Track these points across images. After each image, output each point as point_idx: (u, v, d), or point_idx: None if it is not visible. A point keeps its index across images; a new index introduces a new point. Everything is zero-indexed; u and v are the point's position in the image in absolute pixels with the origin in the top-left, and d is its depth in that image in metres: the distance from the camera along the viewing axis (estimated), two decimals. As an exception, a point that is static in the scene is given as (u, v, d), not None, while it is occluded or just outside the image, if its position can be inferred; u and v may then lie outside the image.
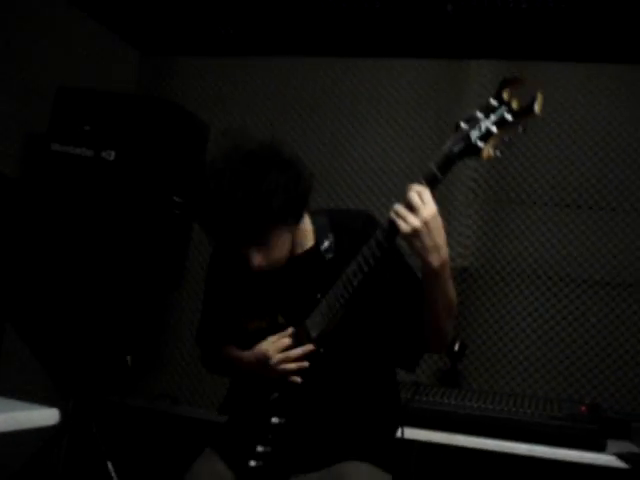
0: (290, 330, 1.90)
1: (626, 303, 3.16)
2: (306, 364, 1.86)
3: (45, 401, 2.05)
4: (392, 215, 1.68)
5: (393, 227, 1.68)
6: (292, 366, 1.86)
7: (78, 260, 3.00)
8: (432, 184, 1.65)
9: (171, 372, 3.68)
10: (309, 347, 1.86)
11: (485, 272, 3.33)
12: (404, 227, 1.65)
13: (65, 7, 3.38)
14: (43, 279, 3.11)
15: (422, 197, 1.64)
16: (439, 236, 1.66)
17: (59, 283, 3.22)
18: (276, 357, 1.87)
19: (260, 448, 1.85)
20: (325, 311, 1.82)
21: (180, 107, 3.17)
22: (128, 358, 3.47)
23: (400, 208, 1.66)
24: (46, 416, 1.93)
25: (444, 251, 1.68)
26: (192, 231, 3.41)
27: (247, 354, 1.95)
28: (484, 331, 3.28)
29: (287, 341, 1.89)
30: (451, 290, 1.78)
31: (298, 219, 1.88)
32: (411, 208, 1.64)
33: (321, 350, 1.84)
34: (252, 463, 1.84)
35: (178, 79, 3.91)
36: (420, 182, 1.66)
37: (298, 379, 1.86)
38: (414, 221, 1.64)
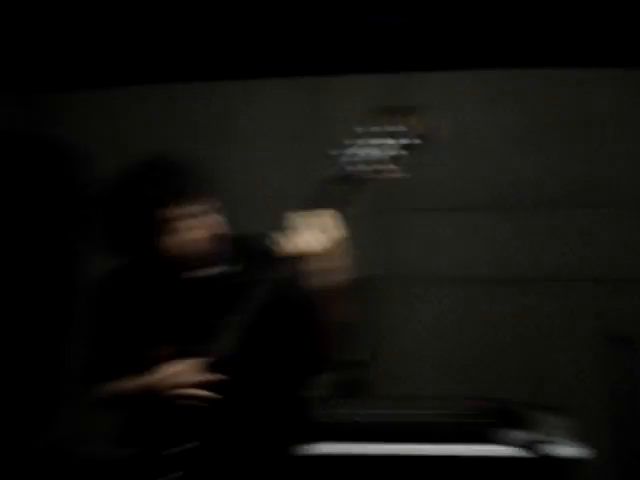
0: (188, 359, 1.89)
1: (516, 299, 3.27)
2: (201, 392, 1.86)
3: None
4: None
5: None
6: (189, 393, 1.86)
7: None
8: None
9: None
10: (207, 377, 1.85)
11: (384, 280, 3.37)
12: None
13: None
14: None
15: None
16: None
17: None
18: (173, 385, 1.87)
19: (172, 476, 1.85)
20: (229, 336, 1.83)
21: (56, 140, 3.13)
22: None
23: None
24: None
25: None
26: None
27: (145, 381, 1.92)
28: (390, 339, 3.31)
29: (184, 368, 1.88)
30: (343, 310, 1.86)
31: None
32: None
33: (224, 377, 1.84)
34: None
35: (63, 114, 3.85)
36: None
37: (197, 403, 1.86)
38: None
